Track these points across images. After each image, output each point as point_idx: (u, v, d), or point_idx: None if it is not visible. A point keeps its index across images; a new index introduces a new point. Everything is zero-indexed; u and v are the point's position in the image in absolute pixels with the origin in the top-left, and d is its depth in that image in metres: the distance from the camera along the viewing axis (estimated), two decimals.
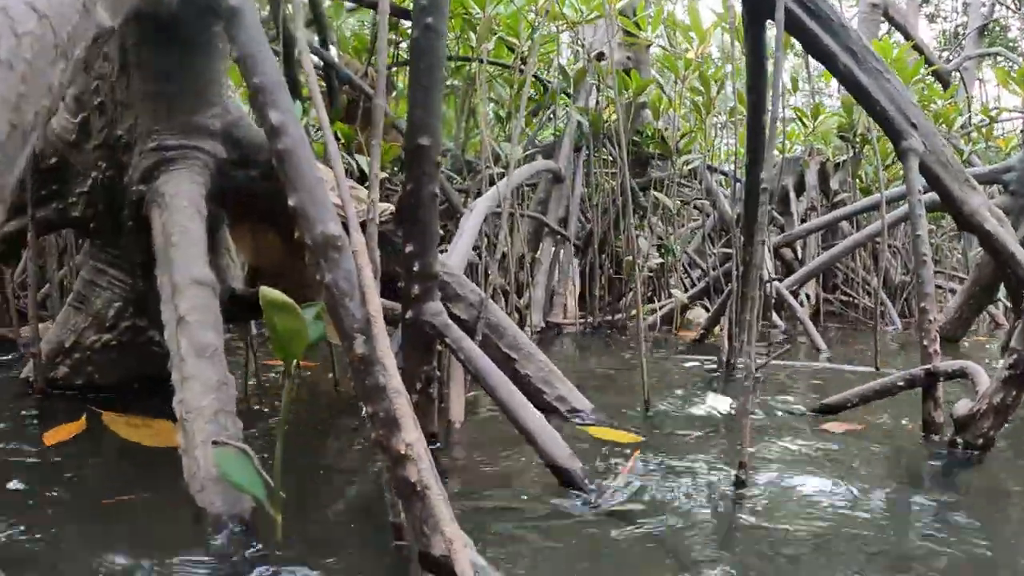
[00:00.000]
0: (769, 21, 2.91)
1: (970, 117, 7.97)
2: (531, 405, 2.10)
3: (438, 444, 2.33)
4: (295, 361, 1.50)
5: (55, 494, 1.84)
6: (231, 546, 1.54)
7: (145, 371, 2.86)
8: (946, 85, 8.53)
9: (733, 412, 2.91)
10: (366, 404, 1.43)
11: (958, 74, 9.43)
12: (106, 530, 1.67)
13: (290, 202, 1.51)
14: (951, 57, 10.87)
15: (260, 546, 1.54)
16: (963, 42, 12.94)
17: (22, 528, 1.61)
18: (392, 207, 2.60)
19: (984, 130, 7.61)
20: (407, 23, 4.64)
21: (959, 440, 2.39)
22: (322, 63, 4.28)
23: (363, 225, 1.54)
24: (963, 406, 2.40)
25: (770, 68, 3.00)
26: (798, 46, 3.20)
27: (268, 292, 1.37)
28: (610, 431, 2.56)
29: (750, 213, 3.33)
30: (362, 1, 4.53)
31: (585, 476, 1.97)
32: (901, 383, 2.68)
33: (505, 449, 2.40)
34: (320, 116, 1.54)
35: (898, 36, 9.79)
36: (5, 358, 3.55)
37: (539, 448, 2.00)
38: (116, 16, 1.18)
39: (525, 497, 1.95)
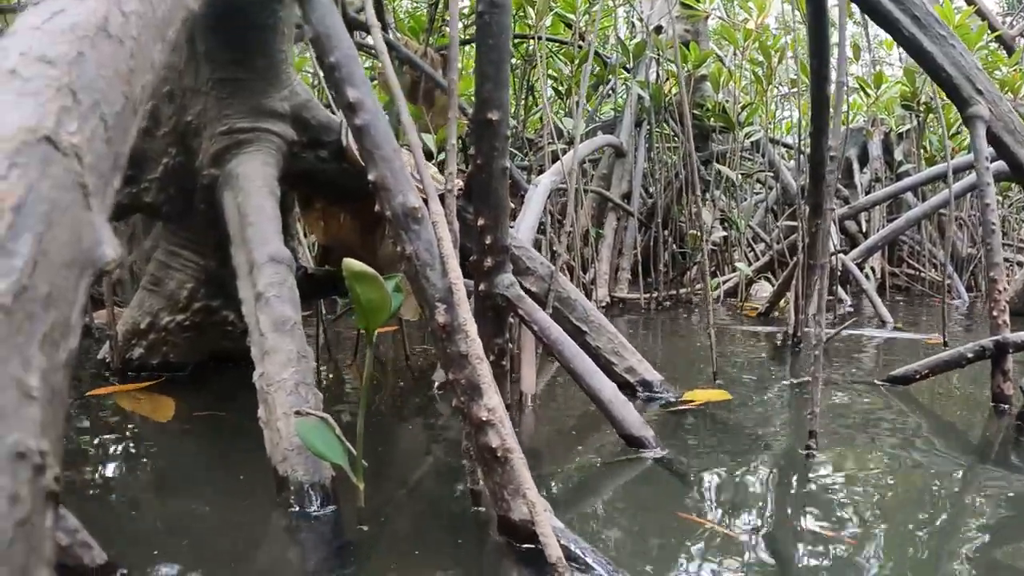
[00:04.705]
0: None
1: None
2: (604, 376, 2.12)
3: (511, 415, 2.35)
4: (375, 331, 1.53)
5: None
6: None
7: (218, 349, 2.93)
8: (1010, 51, 8.33)
9: (801, 382, 2.91)
10: (447, 372, 1.45)
11: (1023, 40, 9.20)
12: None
13: (369, 176, 1.53)
14: (1015, 22, 10.60)
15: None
16: None
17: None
18: (460, 183, 2.62)
19: None
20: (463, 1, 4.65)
21: None
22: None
23: (441, 197, 1.56)
24: None
25: (834, 36, 2.97)
26: (857, 13, 3.16)
27: (352, 263, 1.40)
28: (702, 392, 2.64)
29: (816, 182, 3.30)
30: None
31: (657, 444, 1.99)
32: (970, 355, 2.65)
33: (577, 418, 2.43)
34: (395, 92, 1.56)
35: (960, 1, 9.58)
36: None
37: (612, 417, 2.02)
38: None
39: (599, 464, 1.97)
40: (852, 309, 5.66)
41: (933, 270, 7.20)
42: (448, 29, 5.20)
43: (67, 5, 0.69)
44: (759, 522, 1.60)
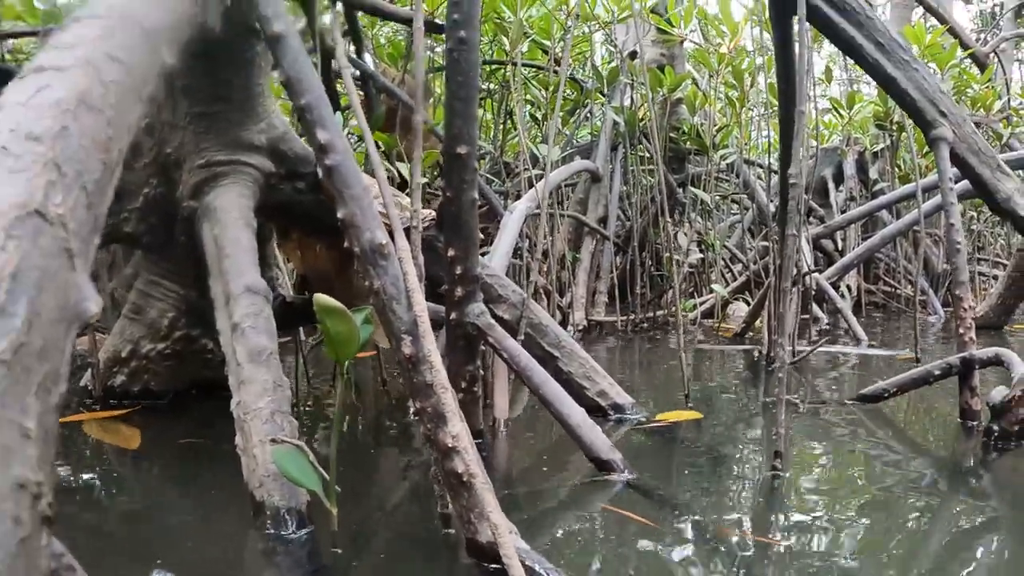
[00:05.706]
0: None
1: (1009, 100, 7.90)
2: (573, 401, 2.18)
3: (483, 440, 2.41)
4: (347, 362, 1.59)
5: None
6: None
7: (199, 377, 2.98)
8: (983, 68, 8.44)
9: (772, 401, 2.97)
10: (414, 400, 1.51)
11: (995, 56, 9.32)
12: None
13: (339, 214, 1.60)
14: (988, 39, 10.72)
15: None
16: (999, 23, 12.75)
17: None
18: (433, 213, 2.68)
19: None
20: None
21: (995, 428, 2.40)
22: (359, 73, 4.35)
23: (406, 232, 1.63)
24: (999, 393, 2.41)
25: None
26: None
27: (321, 298, 1.46)
28: (672, 412, 2.70)
29: (786, 203, 3.37)
30: (395, 17, 4.57)
31: (625, 467, 2.05)
32: (938, 372, 2.69)
33: (549, 443, 2.48)
34: (362, 127, 1.63)
35: (933, 21, 9.69)
36: None
37: (581, 441, 2.08)
38: (173, 51, 1.27)
39: (569, 487, 2.03)
40: (829, 327, 5.73)
41: (909, 287, 7.28)
42: (428, 54, 5.25)
43: (51, 80, 0.75)
44: (724, 541, 1.65)
